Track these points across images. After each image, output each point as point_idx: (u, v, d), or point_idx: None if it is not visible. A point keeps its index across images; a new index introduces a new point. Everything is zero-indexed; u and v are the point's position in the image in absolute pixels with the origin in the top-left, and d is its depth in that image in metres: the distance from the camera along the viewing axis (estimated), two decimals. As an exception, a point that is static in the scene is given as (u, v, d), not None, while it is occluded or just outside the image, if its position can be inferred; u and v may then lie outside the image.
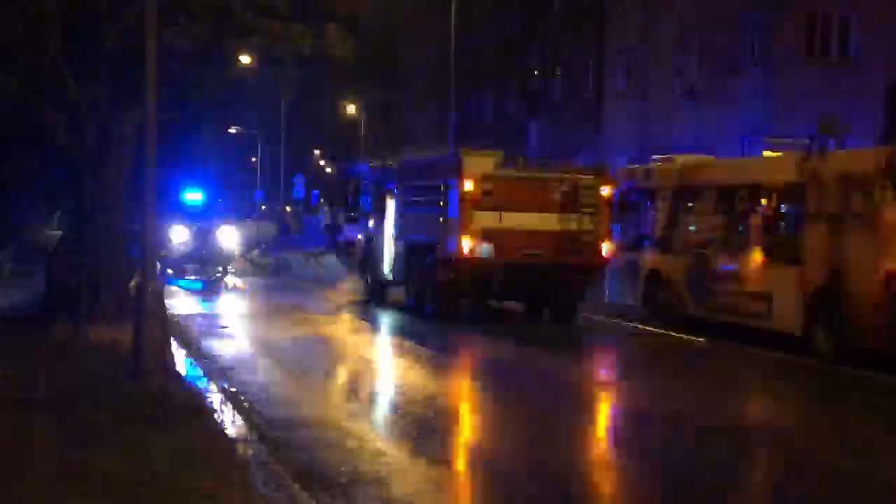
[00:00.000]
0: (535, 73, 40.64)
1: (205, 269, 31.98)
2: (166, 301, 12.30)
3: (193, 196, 36.98)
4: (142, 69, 11.24)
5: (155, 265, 12.33)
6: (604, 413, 12.17)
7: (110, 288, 15.88)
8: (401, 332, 19.04)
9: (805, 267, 15.24)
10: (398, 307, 21.13)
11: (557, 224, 18.64)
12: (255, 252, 42.03)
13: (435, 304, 19.40)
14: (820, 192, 15.15)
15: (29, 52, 15.57)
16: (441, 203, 19.24)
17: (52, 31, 15.27)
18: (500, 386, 12.84)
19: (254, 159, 65.39)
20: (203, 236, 38.42)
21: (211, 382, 12.01)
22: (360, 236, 24.41)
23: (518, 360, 15.04)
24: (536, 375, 13.63)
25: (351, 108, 56.30)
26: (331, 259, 36.92)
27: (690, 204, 18.59)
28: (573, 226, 18.71)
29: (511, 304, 20.69)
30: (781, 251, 15.95)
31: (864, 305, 14.11)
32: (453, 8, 34.68)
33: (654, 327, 18.27)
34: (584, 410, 11.84)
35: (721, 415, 11.38)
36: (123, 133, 15.78)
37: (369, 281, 23.59)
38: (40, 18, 15.13)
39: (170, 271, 27.40)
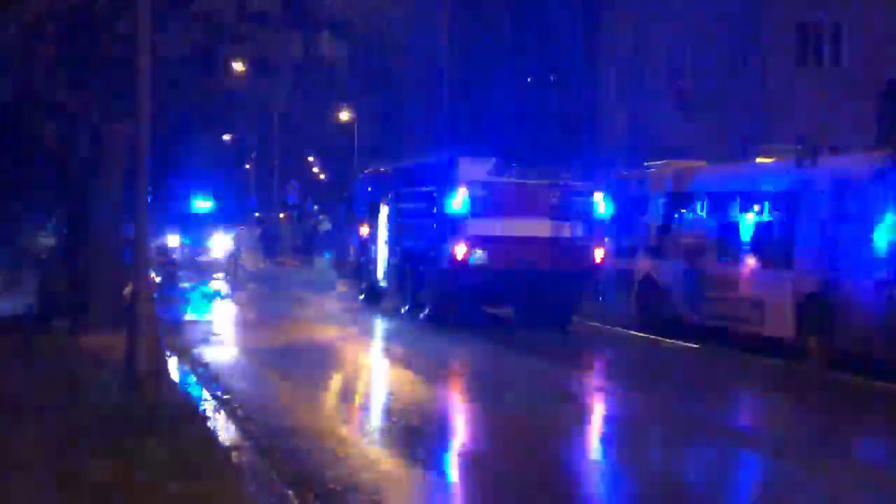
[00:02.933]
0: (529, 80, 40.72)
1: (198, 275, 31.97)
2: (159, 308, 12.27)
3: (187, 204, 36.94)
4: (135, 76, 11.23)
5: (148, 272, 12.31)
6: (597, 420, 12.16)
7: (104, 295, 15.86)
8: (395, 338, 19.02)
9: (797, 272, 15.27)
10: (392, 314, 21.12)
11: (551, 230, 18.66)
12: (249, 258, 42.02)
13: (429, 310, 19.40)
14: (812, 197, 15.19)
15: (21, 58, 15.56)
16: (435, 209, 19.25)
17: (45, 38, 15.27)
18: (493, 393, 12.83)
19: (248, 166, 65.35)
20: (196, 243, 38.36)
21: (204, 389, 12.00)
22: (353, 242, 24.42)
23: (512, 368, 15.03)
24: (530, 383, 13.61)
25: (344, 115, 56.33)
26: (323, 265, 36.89)
27: (683, 210, 18.63)
28: (567, 232, 18.74)
29: (505, 311, 20.69)
30: (774, 257, 15.98)
31: (856, 311, 14.13)
32: (446, 15, 34.74)
33: (648, 333, 18.29)
34: (578, 418, 11.83)
35: (711, 421, 11.40)
36: (116, 140, 15.77)
37: (363, 287, 23.58)
38: (33, 26, 15.13)
39: (160, 278, 27.36)
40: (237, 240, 37.79)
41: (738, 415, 12.49)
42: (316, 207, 54.81)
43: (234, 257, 34.67)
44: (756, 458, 9.83)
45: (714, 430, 10.84)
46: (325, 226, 44.36)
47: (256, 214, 61.64)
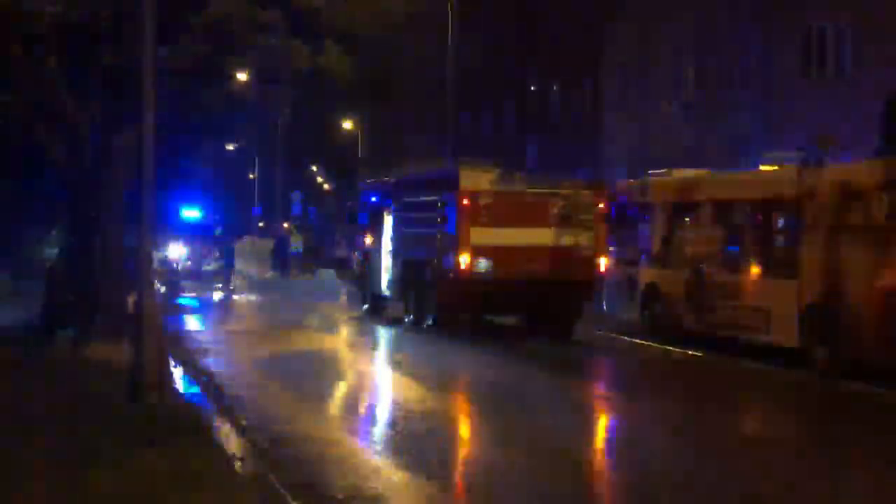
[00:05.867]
0: (533, 88, 40.75)
1: (202, 285, 32.01)
2: (163, 318, 12.31)
3: (191, 213, 36.99)
4: (139, 87, 11.26)
5: (152, 282, 12.33)
6: (600, 431, 12.15)
7: (108, 305, 15.90)
8: (398, 347, 19.03)
9: (802, 281, 15.25)
10: (395, 323, 21.12)
11: (554, 239, 18.68)
12: (252, 268, 42.07)
13: (432, 319, 19.41)
14: (816, 205, 15.17)
15: (27, 70, 15.63)
16: (438, 219, 19.27)
17: (50, 49, 15.34)
18: (496, 403, 12.81)
19: (252, 175, 65.44)
20: (200, 253, 38.41)
21: (208, 399, 12.01)
22: (357, 252, 24.44)
23: (514, 377, 15.01)
24: (533, 393, 13.61)
25: (348, 125, 56.45)
26: (327, 274, 36.91)
27: (687, 218, 18.62)
28: (570, 241, 18.75)
29: (508, 320, 20.68)
30: (778, 265, 15.97)
31: (861, 319, 14.11)
32: (451, 24, 34.80)
33: (652, 342, 18.27)
34: (582, 428, 11.81)
35: (715, 431, 11.38)
36: (121, 151, 15.82)
37: (366, 296, 23.59)
38: (38, 38, 15.20)
39: (164, 288, 27.42)
40: (237, 250, 37.81)
41: (741, 425, 12.46)
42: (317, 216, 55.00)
43: (230, 267, 34.64)
44: (761, 467, 9.82)
45: (721, 439, 10.82)
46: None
47: (261, 224, 61.74)
